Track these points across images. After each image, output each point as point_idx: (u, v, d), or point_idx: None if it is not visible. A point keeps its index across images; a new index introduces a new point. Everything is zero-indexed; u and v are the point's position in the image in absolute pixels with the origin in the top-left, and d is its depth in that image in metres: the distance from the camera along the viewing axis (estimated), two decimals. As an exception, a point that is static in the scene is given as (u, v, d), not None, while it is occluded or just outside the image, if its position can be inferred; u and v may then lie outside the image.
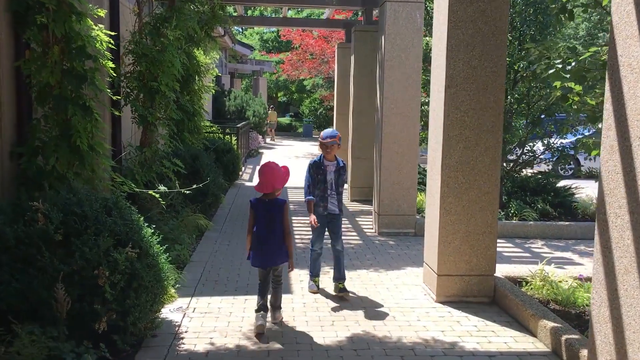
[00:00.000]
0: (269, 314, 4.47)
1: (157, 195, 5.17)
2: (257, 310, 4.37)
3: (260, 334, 4.22)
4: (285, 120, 40.17)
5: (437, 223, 4.90)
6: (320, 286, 5.36)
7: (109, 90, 5.04)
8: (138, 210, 4.72)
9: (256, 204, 4.42)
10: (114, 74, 5.25)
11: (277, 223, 4.36)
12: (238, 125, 14.20)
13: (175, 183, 7.45)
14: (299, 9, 30.15)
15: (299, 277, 5.67)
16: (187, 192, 7.59)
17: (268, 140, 27.11)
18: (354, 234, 7.75)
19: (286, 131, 36.12)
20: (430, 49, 9.55)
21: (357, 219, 8.80)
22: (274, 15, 14.85)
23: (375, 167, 8.04)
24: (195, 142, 9.85)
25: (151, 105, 7.14)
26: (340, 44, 13.01)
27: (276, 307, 4.53)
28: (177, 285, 5.09)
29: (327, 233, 5.41)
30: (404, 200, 7.68)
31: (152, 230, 4.43)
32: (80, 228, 3.73)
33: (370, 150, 10.26)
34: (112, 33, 5.24)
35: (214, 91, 11.49)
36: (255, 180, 4.68)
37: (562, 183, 9.41)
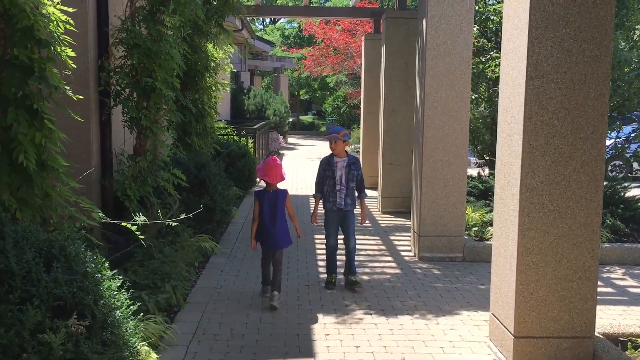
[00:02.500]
0: (269, 294, 4.93)
1: (134, 228, 3.92)
2: (262, 284, 5.17)
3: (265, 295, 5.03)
4: (308, 118, 38.95)
5: (513, 265, 3.57)
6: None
7: (67, 88, 3.80)
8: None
9: (261, 195, 4.96)
10: (73, 65, 3.99)
11: (280, 211, 4.89)
12: (255, 127, 12.96)
13: (176, 198, 6.24)
14: (323, 0, 28.89)
15: (323, 329, 4.39)
16: (180, 217, 6.41)
17: (290, 139, 25.90)
18: (389, 258, 6.43)
19: (308, 130, 34.88)
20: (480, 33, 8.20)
21: (392, 237, 7.48)
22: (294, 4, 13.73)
23: (414, 178, 6.72)
24: (204, 146, 8.63)
25: (146, 105, 5.95)
26: (368, 35, 11.68)
27: (275, 288, 4.89)
28: (161, 347, 3.85)
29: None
30: (450, 218, 6.34)
31: (122, 281, 3.20)
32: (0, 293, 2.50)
33: (405, 155, 8.94)
34: (71, 10, 4.00)
35: (228, 89, 10.28)
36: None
37: (632, 192, 7.98)
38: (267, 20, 48.66)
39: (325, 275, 5.56)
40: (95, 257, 3.18)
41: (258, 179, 11.66)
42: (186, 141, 8.25)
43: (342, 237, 5.54)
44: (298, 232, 5.14)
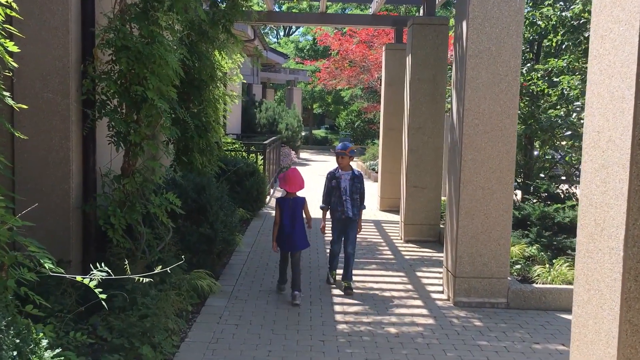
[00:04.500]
0: (289, 294, 5.40)
1: (92, 285, 2.96)
2: (278, 282, 5.61)
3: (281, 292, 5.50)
4: (320, 133, 38.10)
5: (611, 347, 2.58)
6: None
7: (6, 94, 2.88)
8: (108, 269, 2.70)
9: (282, 202, 5.45)
10: (12, 64, 3.09)
11: (299, 217, 5.39)
12: (266, 142, 12.05)
13: (169, 227, 5.32)
14: (341, 10, 28.10)
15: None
16: (173, 249, 5.54)
17: (302, 154, 25.00)
18: (419, 303, 5.44)
19: (321, 145, 34.01)
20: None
21: (419, 273, 6.48)
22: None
23: (448, 207, 5.74)
24: (208, 164, 7.72)
25: (136, 118, 5.08)
26: (389, 45, 10.77)
27: (296, 288, 5.31)
28: None
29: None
30: (492, 256, 5.35)
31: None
32: None
33: (431, 177, 7.98)
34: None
35: (237, 101, 9.40)
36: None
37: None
38: (281, 33, 48.09)
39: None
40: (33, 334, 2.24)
41: (267, 200, 10.72)
42: (187, 159, 7.35)
43: None
44: (309, 224, 5.60)
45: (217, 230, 5.86)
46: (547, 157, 9.40)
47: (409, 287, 5.93)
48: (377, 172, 16.78)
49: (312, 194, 11.97)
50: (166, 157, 5.60)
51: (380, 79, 19.28)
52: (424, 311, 5.18)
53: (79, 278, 2.82)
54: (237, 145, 11.34)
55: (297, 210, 5.43)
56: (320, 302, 5.32)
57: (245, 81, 11.20)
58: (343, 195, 5.80)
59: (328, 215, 6.00)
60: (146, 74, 4.87)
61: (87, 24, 5.02)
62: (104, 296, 2.83)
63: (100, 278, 5.03)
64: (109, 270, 2.90)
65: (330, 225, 5.97)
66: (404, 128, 8.42)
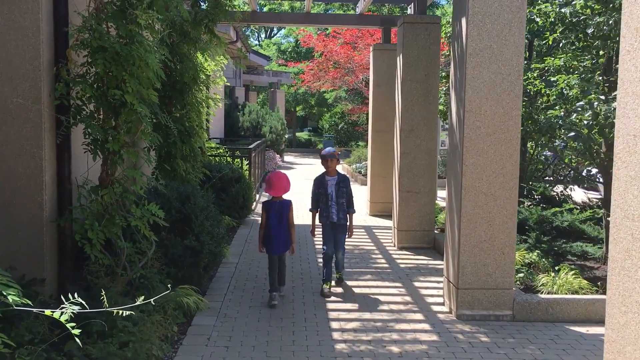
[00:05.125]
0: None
1: (64, 319, 2.59)
2: (270, 291, 5.44)
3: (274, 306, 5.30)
4: (304, 135, 37.76)
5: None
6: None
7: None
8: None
9: (269, 206, 5.51)
10: None
11: (285, 219, 5.47)
12: (251, 146, 11.68)
13: (152, 240, 4.95)
14: (324, 10, 27.79)
15: None
16: (156, 265, 5.18)
17: (286, 158, 24.64)
18: (420, 317, 5.13)
19: (305, 147, 33.67)
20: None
21: (416, 283, 6.17)
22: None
23: (449, 214, 5.45)
24: (191, 171, 7.35)
25: (114, 124, 4.72)
26: (377, 46, 10.48)
27: (281, 282, 5.57)
28: None
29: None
30: (496, 266, 5.06)
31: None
32: None
33: (424, 182, 7.70)
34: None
35: (220, 104, 9.04)
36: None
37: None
38: (263, 35, 47.67)
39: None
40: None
41: (254, 206, 10.36)
42: (170, 166, 6.98)
43: None
44: (293, 249, 5.61)
45: (203, 242, 5.50)
46: (540, 158, 9.17)
47: (408, 298, 5.62)
48: (364, 175, 16.50)
49: (301, 196, 11.65)
50: (147, 165, 5.23)
51: (365, 81, 19.03)
52: (426, 326, 4.87)
53: (47, 312, 2.46)
54: (222, 150, 10.96)
55: (284, 213, 5.51)
56: (316, 319, 4.98)
57: (228, 83, 10.82)
58: (329, 201, 5.88)
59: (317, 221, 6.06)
60: (125, 77, 4.53)
61: (60, 23, 4.68)
62: (77, 331, 2.47)
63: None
64: (83, 302, 2.53)
65: (321, 230, 5.99)
66: (396, 130, 8.13)
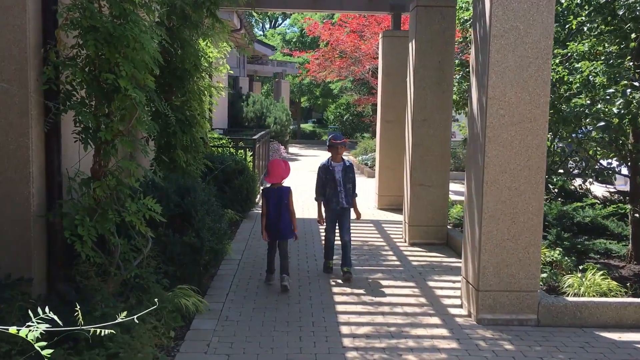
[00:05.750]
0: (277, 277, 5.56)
1: (30, 338, 2.22)
2: (267, 271, 5.72)
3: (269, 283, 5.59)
4: (308, 126, 37.37)
5: None
6: None
7: None
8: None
9: (268, 193, 5.64)
10: None
11: (285, 206, 5.56)
12: (255, 137, 11.28)
13: (148, 237, 4.58)
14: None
15: None
16: (153, 263, 4.82)
17: (291, 149, 24.24)
18: (437, 320, 4.74)
19: (309, 139, 33.27)
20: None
21: (430, 283, 5.79)
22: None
23: (468, 210, 5.06)
24: (192, 163, 6.98)
25: (107, 111, 4.36)
26: (387, 32, 10.05)
27: (284, 272, 5.49)
28: None
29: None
30: (520, 266, 4.68)
31: None
32: None
33: (438, 174, 7.33)
34: None
35: (224, 93, 8.64)
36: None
37: None
38: (267, 25, 47.19)
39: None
40: None
41: (258, 199, 9.99)
42: (170, 157, 6.60)
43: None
44: (296, 234, 5.68)
45: (204, 238, 5.13)
46: (557, 150, 8.75)
47: (423, 300, 5.24)
48: (370, 167, 16.11)
49: (305, 188, 11.29)
50: (144, 156, 4.86)
51: (372, 71, 18.57)
52: (444, 332, 4.49)
53: (12, 330, 2.07)
54: (225, 141, 10.57)
55: (283, 200, 5.54)
56: (324, 323, 4.61)
57: (232, 71, 10.42)
58: (338, 186, 5.90)
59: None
60: (118, 60, 4.16)
61: (48, 1, 4.29)
62: (48, 352, 2.09)
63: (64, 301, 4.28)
64: (56, 318, 2.15)
65: (325, 216, 6.05)
66: (407, 120, 7.72)
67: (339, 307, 4.98)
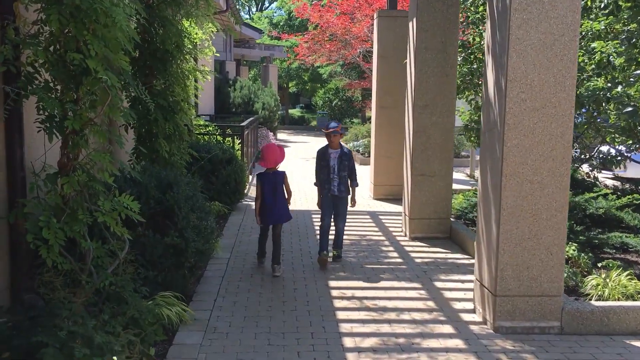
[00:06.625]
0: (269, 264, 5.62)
1: None
2: (258, 254, 5.81)
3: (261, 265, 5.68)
4: (297, 112, 36.74)
5: None
6: None
7: None
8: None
9: (263, 177, 5.63)
10: None
11: (280, 191, 5.57)
12: (243, 124, 10.69)
13: (125, 238, 4.05)
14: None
15: None
16: (129, 269, 4.30)
17: (279, 135, 23.63)
18: (450, 329, 4.25)
19: (298, 124, 32.67)
20: None
21: (436, 282, 5.31)
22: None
23: (483, 208, 4.56)
24: (176, 152, 6.42)
25: (75, 97, 3.82)
26: (382, 12, 9.49)
27: (275, 262, 5.48)
28: None
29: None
30: (542, 268, 4.20)
31: None
32: None
33: (441, 164, 6.85)
34: None
35: (209, 77, 8.06)
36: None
37: None
38: (254, 8, 46.23)
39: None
40: None
41: (247, 189, 9.45)
42: (151, 147, 6.05)
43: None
44: (289, 201, 5.71)
45: (188, 239, 4.59)
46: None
47: (431, 304, 4.76)
48: (362, 154, 15.59)
49: (299, 186, 10.82)
50: (119, 147, 4.30)
51: (363, 54, 18.00)
52: (460, 343, 4.00)
53: None
54: (211, 128, 9.99)
55: (278, 184, 5.55)
56: (325, 333, 4.11)
57: (218, 54, 9.83)
58: (331, 173, 5.86)
59: None
60: (86, 37, 3.62)
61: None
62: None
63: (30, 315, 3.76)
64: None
65: (322, 202, 5.98)
66: (407, 106, 7.20)
67: (340, 314, 4.48)
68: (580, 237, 5.83)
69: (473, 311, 4.61)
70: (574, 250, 5.42)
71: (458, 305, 4.73)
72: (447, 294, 5.01)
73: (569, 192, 4.20)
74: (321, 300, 4.80)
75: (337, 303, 4.73)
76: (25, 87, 3.68)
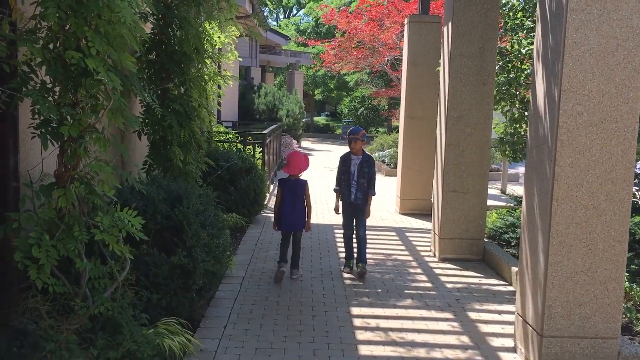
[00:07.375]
0: (288, 268, 5.62)
1: None
2: (279, 261, 5.59)
3: (279, 278, 5.44)
4: (322, 120, 36.37)
5: None
6: None
7: None
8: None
9: (284, 183, 5.59)
10: None
11: (299, 198, 5.55)
12: (265, 132, 10.28)
13: (127, 257, 3.64)
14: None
15: None
16: (128, 293, 3.88)
17: (303, 144, 23.24)
18: (487, 370, 3.75)
19: (323, 133, 32.28)
20: None
21: (471, 313, 4.79)
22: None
23: (528, 234, 4.04)
24: (191, 161, 6.01)
25: (74, 100, 3.43)
26: (414, 17, 9.00)
27: (294, 266, 5.62)
28: None
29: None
30: (597, 306, 3.67)
31: None
32: None
33: (475, 180, 6.34)
34: None
35: (231, 82, 7.66)
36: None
37: None
38: (281, 15, 46.12)
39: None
40: None
41: (267, 200, 9.04)
42: (164, 155, 5.65)
43: None
44: (308, 226, 5.64)
45: (197, 259, 4.16)
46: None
47: (465, 339, 4.24)
48: (388, 165, 15.09)
49: (322, 197, 10.38)
50: (124, 157, 3.89)
51: (391, 62, 17.50)
52: (500, 390, 3.50)
53: None
54: (232, 136, 9.59)
55: (298, 192, 5.55)
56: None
57: (241, 59, 9.45)
58: (350, 179, 5.82)
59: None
60: (87, 34, 3.21)
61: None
62: None
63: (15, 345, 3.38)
64: None
65: (342, 209, 5.97)
66: (440, 117, 6.70)
67: (363, 349, 3.99)
68: (631, 267, 5.26)
69: (514, 350, 4.08)
70: (625, 282, 4.85)
71: (496, 342, 4.21)
72: (483, 328, 4.48)
73: (629, 219, 3.66)
74: (342, 330, 4.32)
75: (360, 335, 4.24)
76: (19, 88, 3.30)
